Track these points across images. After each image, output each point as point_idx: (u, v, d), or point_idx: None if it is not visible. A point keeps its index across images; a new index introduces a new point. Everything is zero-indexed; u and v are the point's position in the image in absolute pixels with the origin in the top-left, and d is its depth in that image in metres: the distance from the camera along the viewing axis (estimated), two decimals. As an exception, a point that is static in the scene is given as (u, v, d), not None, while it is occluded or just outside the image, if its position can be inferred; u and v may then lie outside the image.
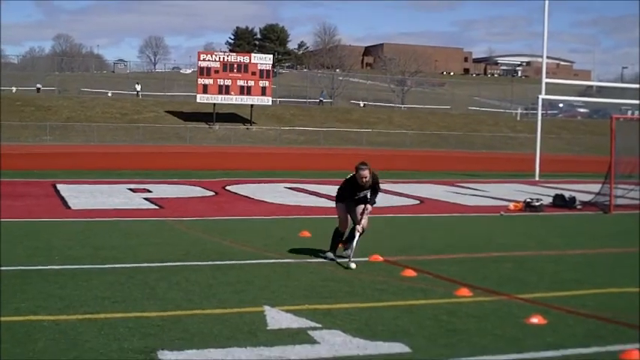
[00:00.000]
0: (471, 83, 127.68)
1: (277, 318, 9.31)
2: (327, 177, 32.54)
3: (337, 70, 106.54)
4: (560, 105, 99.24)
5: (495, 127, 77.99)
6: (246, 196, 24.57)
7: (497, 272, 12.92)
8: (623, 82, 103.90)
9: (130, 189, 25.44)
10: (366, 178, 13.11)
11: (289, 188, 27.54)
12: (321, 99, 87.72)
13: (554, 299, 10.94)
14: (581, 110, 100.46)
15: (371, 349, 8.21)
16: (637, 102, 52.60)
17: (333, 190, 27.00)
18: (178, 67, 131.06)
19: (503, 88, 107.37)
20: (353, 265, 12.69)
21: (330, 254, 13.61)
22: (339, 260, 13.29)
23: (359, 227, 13.42)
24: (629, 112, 72.32)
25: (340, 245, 13.74)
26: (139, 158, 37.91)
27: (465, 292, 11.07)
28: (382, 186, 29.77)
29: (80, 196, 23.19)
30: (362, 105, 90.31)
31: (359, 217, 13.48)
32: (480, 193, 28.32)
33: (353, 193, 13.43)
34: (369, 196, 13.48)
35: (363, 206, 13.49)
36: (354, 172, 13.25)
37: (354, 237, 13.42)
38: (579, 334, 9.14)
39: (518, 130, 76.78)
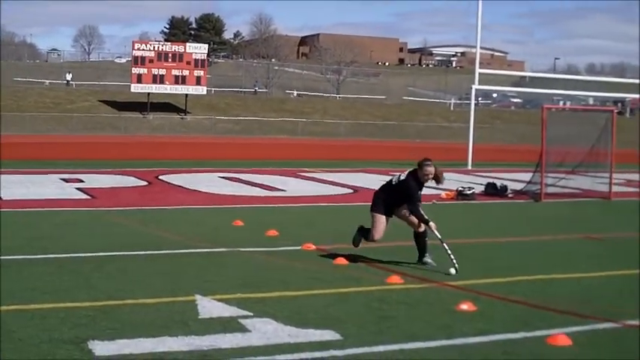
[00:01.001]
0: (406, 73, 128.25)
1: (209, 307, 9.32)
2: (262, 166, 32.55)
3: (273, 59, 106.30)
4: (494, 95, 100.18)
5: (429, 117, 78.39)
6: (180, 186, 24.45)
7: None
8: (555, 72, 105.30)
9: (63, 179, 25.18)
10: (431, 175, 12.23)
11: (223, 178, 27.47)
12: (256, 88, 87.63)
13: (485, 286, 11.09)
14: (515, 100, 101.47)
15: (302, 336, 8.26)
16: (567, 92, 53.49)
17: (267, 179, 27.23)
18: (120, 56, 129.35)
19: (438, 78, 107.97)
20: (453, 271, 11.69)
21: (427, 260, 12.48)
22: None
23: (433, 224, 12.20)
24: (561, 103, 73.30)
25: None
26: (72, 148, 37.50)
27: (396, 279, 11.18)
28: (316, 175, 29.85)
29: (12, 186, 22.85)
30: (295, 94, 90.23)
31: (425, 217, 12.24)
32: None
33: (418, 193, 12.30)
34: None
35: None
36: (418, 170, 12.25)
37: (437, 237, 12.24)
38: (508, 320, 9.29)
39: (452, 120, 77.28)
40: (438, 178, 12.33)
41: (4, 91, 67.26)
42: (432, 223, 12.13)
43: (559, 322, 9.20)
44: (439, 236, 12.12)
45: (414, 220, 12.36)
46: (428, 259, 12.44)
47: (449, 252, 11.90)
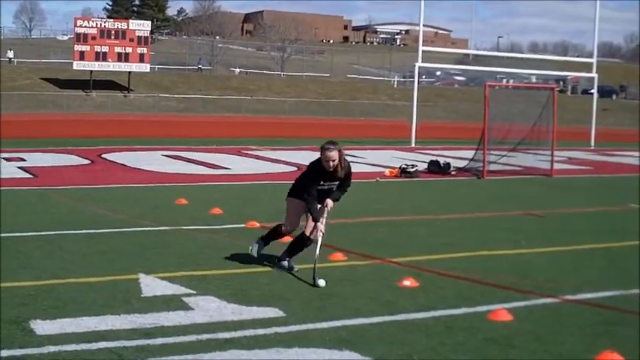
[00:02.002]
0: (350, 51, 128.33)
1: (152, 285, 9.29)
2: (206, 144, 32.44)
3: (217, 37, 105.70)
4: (438, 73, 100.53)
5: (373, 95, 78.51)
6: (123, 164, 24.30)
7: (371, 237, 13.14)
8: (498, 51, 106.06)
9: (4, 158, 24.86)
10: (334, 161, 9.97)
11: (167, 156, 27.34)
12: (200, 66, 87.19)
13: (427, 262, 11.19)
14: (458, 78, 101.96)
15: (245, 314, 8.27)
16: (510, 70, 53.96)
17: (211, 157, 27.12)
18: (64, 33, 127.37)
19: (382, 56, 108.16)
20: (322, 283, 9.67)
21: (284, 263, 10.52)
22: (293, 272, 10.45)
23: (321, 227, 10.23)
24: (504, 81, 73.86)
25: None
26: (13, 126, 37.02)
27: (339, 256, 11.23)
28: (261, 153, 29.74)
29: (-49, 165, 22.58)
30: (237, 72, 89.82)
31: (319, 215, 10.25)
32: (357, 159, 28.50)
33: (316, 183, 10.17)
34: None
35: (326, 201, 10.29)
36: (320, 155, 10.14)
37: (316, 243, 10.25)
38: (450, 295, 9.37)
39: (395, 97, 77.51)
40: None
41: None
42: (319, 224, 10.18)
43: (500, 297, 9.31)
44: (320, 242, 10.24)
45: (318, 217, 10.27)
46: (285, 263, 10.52)
47: (315, 263, 9.95)
